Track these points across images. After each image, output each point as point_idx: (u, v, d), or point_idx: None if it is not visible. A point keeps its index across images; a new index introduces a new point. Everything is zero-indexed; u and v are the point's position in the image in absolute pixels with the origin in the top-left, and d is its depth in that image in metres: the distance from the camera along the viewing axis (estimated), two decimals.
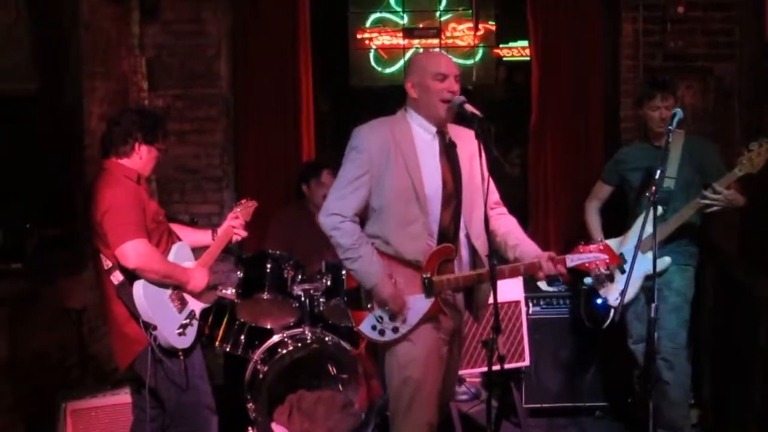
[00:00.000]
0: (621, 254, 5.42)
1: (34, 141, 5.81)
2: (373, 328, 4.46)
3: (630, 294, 5.57)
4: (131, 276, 4.60)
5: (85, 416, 5.37)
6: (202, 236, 5.26)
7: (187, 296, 4.85)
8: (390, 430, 4.67)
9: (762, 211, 5.53)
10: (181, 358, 4.77)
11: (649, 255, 5.45)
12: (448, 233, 4.47)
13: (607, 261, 4.50)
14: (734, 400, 6.07)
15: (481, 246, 4.50)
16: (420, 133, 4.50)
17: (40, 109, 5.88)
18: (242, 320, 6.04)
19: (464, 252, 4.54)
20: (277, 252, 5.96)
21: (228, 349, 6.09)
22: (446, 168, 4.47)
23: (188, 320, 4.79)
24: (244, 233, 5.30)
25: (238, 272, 5.93)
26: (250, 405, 5.68)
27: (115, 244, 4.51)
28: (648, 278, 5.54)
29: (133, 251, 4.51)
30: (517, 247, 4.57)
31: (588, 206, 6.20)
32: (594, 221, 6.13)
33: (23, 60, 5.75)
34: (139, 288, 4.58)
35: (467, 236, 4.53)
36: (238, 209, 5.31)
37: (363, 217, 4.55)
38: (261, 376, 5.69)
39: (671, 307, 5.60)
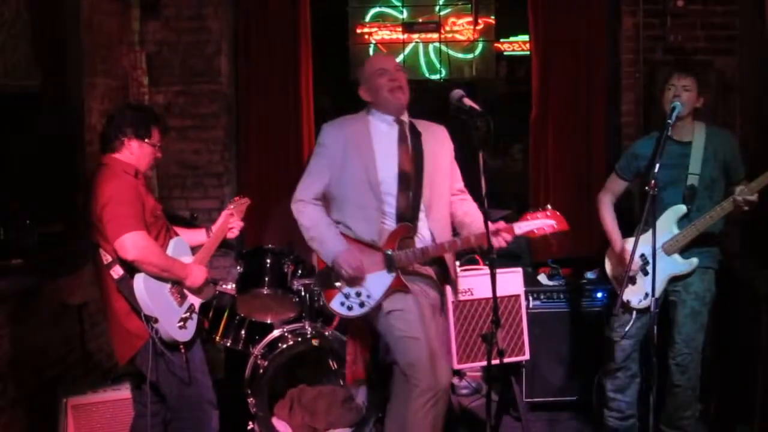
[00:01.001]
0: (642, 255, 5.37)
1: (35, 137, 5.81)
2: (342, 304, 4.78)
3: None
4: (131, 270, 4.61)
5: (86, 411, 5.38)
6: (197, 235, 5.27)
7: (186, 290, 4.88)
8: (394, 400, 4.83)
9: (764, 206, 5.52)
10: (182, 351, 4.79)
11: (675, 257, 5.42)
12: (406, 214, 4.76)
13: (554, 226, 4.72)
14: (736, 394, 6.07)
15: (440, 231, 4.83)
16: (377, 125, 4.88)
17: (41, 106, 5.89)
18: (242, 315, 6.06)
19: (425, 232, 4.82)
20: (277, 247, 5.97)
21: (228, 344, 6.11)
22: (405, 153, 4.81)
23: (188, 314, 4.82)
24: (240, 224, 5.32)
25: (238, 267, 5.96)
26: (250, 399, 5.69)
27: (114, 237, 4.53)
28: (672, 281, 5.46)
29: (132, 243, 4.53)
30: (472, 224, 4.86)
31: (602, 200, 5.83)
32: (609, 216, 5.78)
33: (25, 57, 5.76)
34: (140, 281, 4.61)
35: (429, 221, 4.82)
36: (232, 206, 5.33)
37: (326, 205, 4.91)
38: (261, 370, 5.69)
39: (689, 311, 5.46)
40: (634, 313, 5.52)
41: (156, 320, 4.63)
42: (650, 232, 5.02)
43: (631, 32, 7.15)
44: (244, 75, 7.59)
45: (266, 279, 5.87)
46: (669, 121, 5.16)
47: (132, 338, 4.72)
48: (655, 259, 4.90)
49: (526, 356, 6.09)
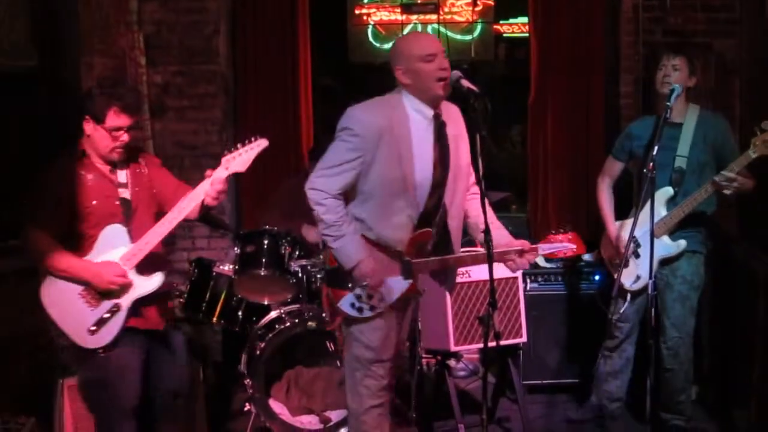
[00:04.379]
0: (635, 238, 5.38)
1: (32, 117, 5.79)
2: (352, 305, 4.50)
3: (645, 279, 5.46)
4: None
5: None
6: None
7: (133, 280, 4.59)
8: (347, 395, 4.71)
9: (762, 189, 5.52)
10: (101, 354, 4.56)
11: (664, 239, 5.44)
12: (429, 217, 4.48)
13: (574, 250, 4.59)
14: (733, 377, 6.08)
15: (456, 227, 4.56)
16: (416, 119, 4.42)
17: (38, 86, 5.86)
18: (240, 296, 6.02)
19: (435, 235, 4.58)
20: (275, 228, 5.95)
21: (225, 326, 6.09)
22: (438, 154, 4.44)
23: (109, 315, 4.55)
24: (218, 187, 4.62)
25: (236, 248, 5.94)
26: (247, 381, 5.68)
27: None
28: (662, 263, 5.49)
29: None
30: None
31: (600, 184, 5.94)
32: (606, 200, 5.89)
33: (22, 36, 5.73)
34: (45, 284, 4.55)
35: (444, 217, 4.54)
36: (225, 161, 4.64)
37: (348, 196, 4.52)
38: (258, 352, 5.68)
39: (677, 295, 5.52)
40: (628, 295, 5.59)
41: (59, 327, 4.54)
42: (640, 217, 5.14)
43: (631, 14, 7.10)
44: (242, 55, 7.55)
45: (264, 260, 5.85)
46: (668, 102, 5.17)
47: None
48: (653, 240, 4.91)
49: (524, 338, 6.07)
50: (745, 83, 6.89)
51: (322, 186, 4.37)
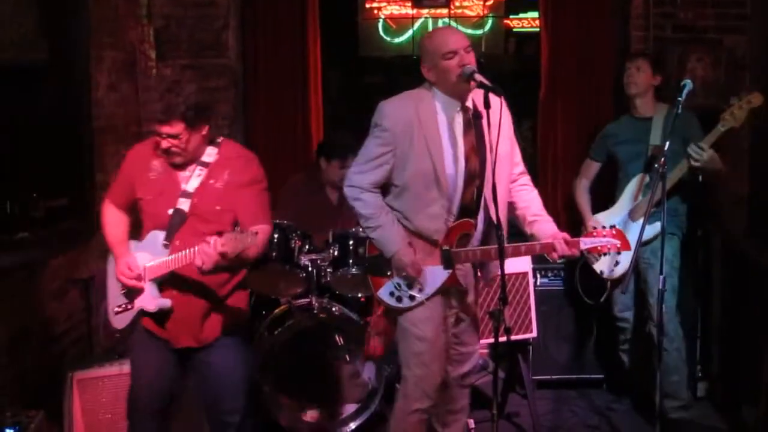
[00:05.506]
0: (612, 226, 5.47)
1: (41, 111, 5.78)
2: (391, 294, 4.58)
3: (626, 264, 5.64)
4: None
5: (92, 386, 5.36)
6: None
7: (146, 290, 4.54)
8: (399, 392, 4.77)
9: None
10: (117, 336, 4.79)
11: (640, 222, 5.53)
12: (470, 209, 4.52)
13: (619, 246, 4.57)
14: (742, 374, 6.07)
15: (503, 219, 4.45)
16: (445, 111, 4.50)
17: (48, 80, 5.86)
18: (249, 290, 6.00)
19: (480, 226, 4.59)
20: (285, 222, 5.93)
21: None
22: (471, 145, 4.48)
23: (130, 306, 4.61)
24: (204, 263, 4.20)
25: None
26: (256, 375, 5.68)
27: None
28: (642, 245, 5.59)
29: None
30: (534, 223, 4.64)
31: (577, 185, 6.38)
32: (584, 200, 6.31)
33: (31, 30, 5.72)
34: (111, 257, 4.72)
35: (486, 210, 4.55)
36: (232, 236, 4.13)
37: (384, 189, 4.63)
38: (267, 346, 5.69)
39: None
40: (609, 283, 5.91)
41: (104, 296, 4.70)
42: (617, 206, 5.88)
43: (641, 10, 7.08)
44: (252, 49, 7.54)
45: (273, 254, 5.84)
46: (679, 98, 5.21)
47: None
48: (664, 238, 4.94)
49: (534, 334, 6.08)
50: (755, 79, 6.86)
51: (357, 182, 4.57)
